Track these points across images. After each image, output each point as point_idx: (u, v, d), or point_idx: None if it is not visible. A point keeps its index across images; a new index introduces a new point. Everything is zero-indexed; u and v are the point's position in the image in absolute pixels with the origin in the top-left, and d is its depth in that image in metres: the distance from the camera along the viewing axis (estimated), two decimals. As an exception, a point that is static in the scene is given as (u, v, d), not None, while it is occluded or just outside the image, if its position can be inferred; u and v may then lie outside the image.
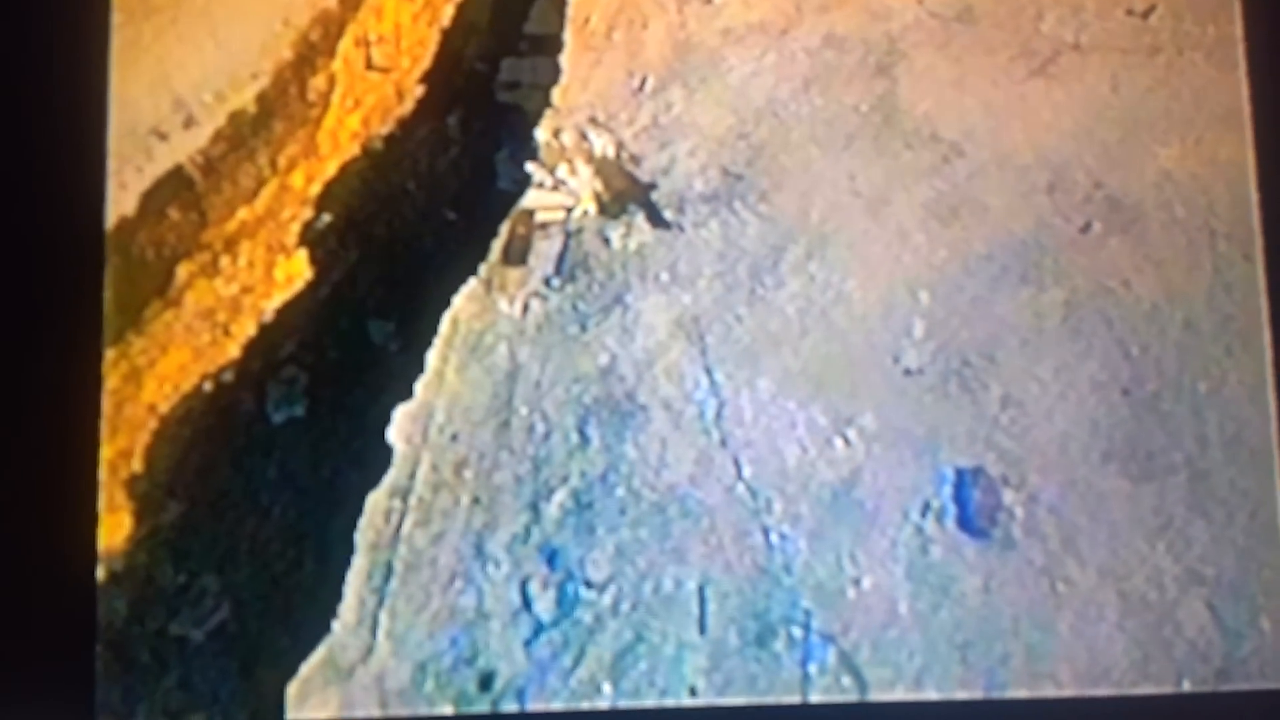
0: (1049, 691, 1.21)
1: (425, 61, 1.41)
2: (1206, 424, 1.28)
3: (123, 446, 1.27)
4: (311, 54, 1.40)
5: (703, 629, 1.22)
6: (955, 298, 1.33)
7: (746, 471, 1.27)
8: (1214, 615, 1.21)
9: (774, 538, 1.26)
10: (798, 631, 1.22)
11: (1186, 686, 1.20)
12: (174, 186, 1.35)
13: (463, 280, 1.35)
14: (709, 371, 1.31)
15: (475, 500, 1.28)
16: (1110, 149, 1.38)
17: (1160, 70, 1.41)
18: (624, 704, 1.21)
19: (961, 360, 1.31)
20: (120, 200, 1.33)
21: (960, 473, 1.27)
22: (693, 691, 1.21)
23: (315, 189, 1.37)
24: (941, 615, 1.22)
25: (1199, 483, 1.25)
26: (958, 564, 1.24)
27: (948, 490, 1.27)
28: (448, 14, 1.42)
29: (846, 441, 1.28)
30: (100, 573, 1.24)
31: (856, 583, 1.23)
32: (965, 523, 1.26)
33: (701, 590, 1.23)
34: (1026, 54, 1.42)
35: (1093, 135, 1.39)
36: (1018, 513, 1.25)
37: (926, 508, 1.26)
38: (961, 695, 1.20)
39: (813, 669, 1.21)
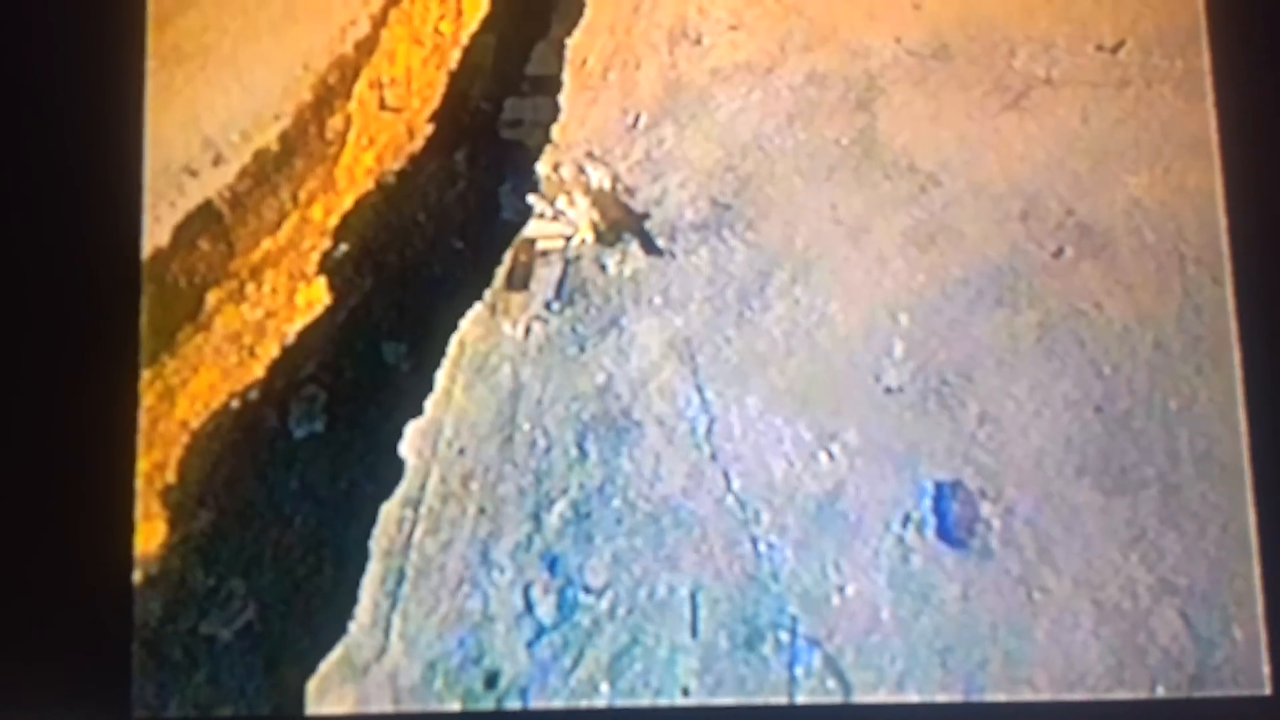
0: (1026, 695, 1.21)
1: (434, 102, 1.41)
2: (1178, 440, 1.27)
3: (157, 459, 1.30)
4: (329, 96, 1.40)
5: (695, 633, 1.24)
6: (933, 320, 1.33)
7: (736, 484, 1.28)
8: (1186, 624, 1.22)
9: (762, 547, 1.26)
10: (784, 636, 1.23)
11: (1160, 692, 1.21)
12: (204, 219, 1.36)
13: (469, 305, 1.36)
14: (700, 390, 1.32)
15: (481, 510, 1.28)
16: (1081, 178, 1.37)
17: (1129, 103, 1.39)
18: (620, 703, 1.22)
19: (940, 379, 1.31)
20: (155, 232, 1.35)
21: (939, 486, 1.28)
22: (685, 692, 1.22)
23: (333, 221, 1.37)
24: (922, 621, 1.23)
25: (1171, 496, 1.26)
26: (937, 573, 1.24)
27: (927, 502, 1.27)
28: (454, 58, 1.42)
29: (830, 456, 1.28)
30: (136, 576, 1.26)
31: (840, 590, 1.24)
32: (944, 533, 1.26)
33: (693, 596, 1.25)
34: (1000, 89, 1.40)
35: (1064, 165, 1.37)
36: (995, 524, 1.26)
37: (907, 519, 1.26)
38: (942, 698, 1.22)
39: (799, 672, 1.22)
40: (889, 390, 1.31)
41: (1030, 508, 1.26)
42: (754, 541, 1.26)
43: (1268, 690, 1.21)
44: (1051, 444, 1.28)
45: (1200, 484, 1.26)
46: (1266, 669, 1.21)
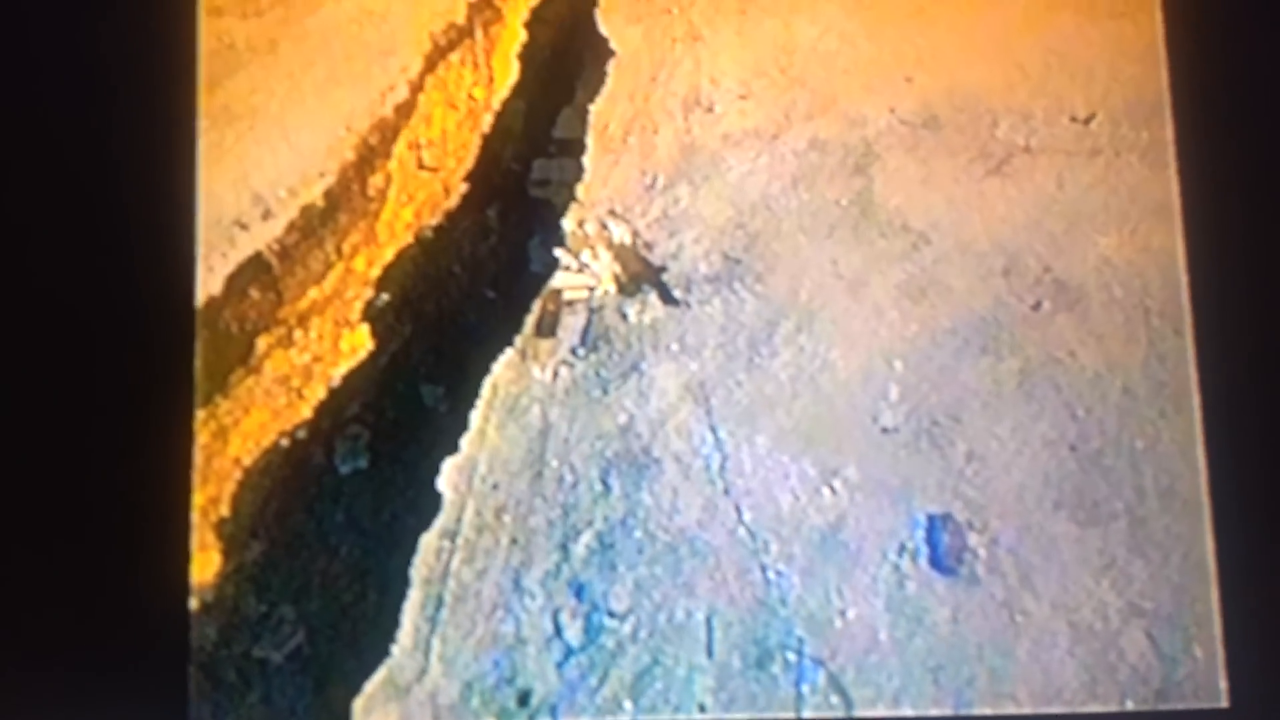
0: (1010, 709, 1.25)
1: (468, 162, 1.44)
2: (1144, 476, 1.32)
3: (212, 494, 1.32)
4: (371, 155, 1.43)
5: (710, 654, 1.27)
6: (925, 366, 1.37)
7: (747, 516, 1.32)
8: (1152, 643, 1.27)
9: (771, 574, 1.29)
10: (792, 656, 1.27)
11: (1129, 705, 1.25)
12: (254, 270, 1.39)
13: (501, 350, 1.38)
14: (714, 429, 1.35)
15: (513, 540, 1.31)
16: (1057, 238, 1.40)
17: (1100, 169, 1.43)
18: (643, 719, 1.25)
19: (931, 420, 1.35)
20: (208, 282, 1.37)
21: (931, 518, 1.32)
22: (701, 708, 1.25)
23: (375, 272, 1.40)
24: (916, 642, 1.27)
25: (1138, 528, 1.30)
26: (929, 598, 1.28)
27: (920, 533, 1.31)
28: (487, 121, 1.46)
29: (833, 490, 1.32)
30: (193, 603, 1.28)
31: (843, 613, 1.28)
32: (936, 562, 1.30)
33: (709, 620, 1.28)
34: (984, 156, 1.44)
35: (1041, 226, 1.41)
36: (981, 553, 1.30)
37: (902, 548, 1.30)
38: (934, 712, 1.25)
39: (805, 689, 1.26)
40: (885, 430, 1.35)
41: (1012, 538, 1.31)
42: (764, 569, 1.30)
43: (1225, 703, 1.25)
44: (1031, 480, 1.32)
45: (1164, 517, 1.31)
46: (1224, 684, 1.25)
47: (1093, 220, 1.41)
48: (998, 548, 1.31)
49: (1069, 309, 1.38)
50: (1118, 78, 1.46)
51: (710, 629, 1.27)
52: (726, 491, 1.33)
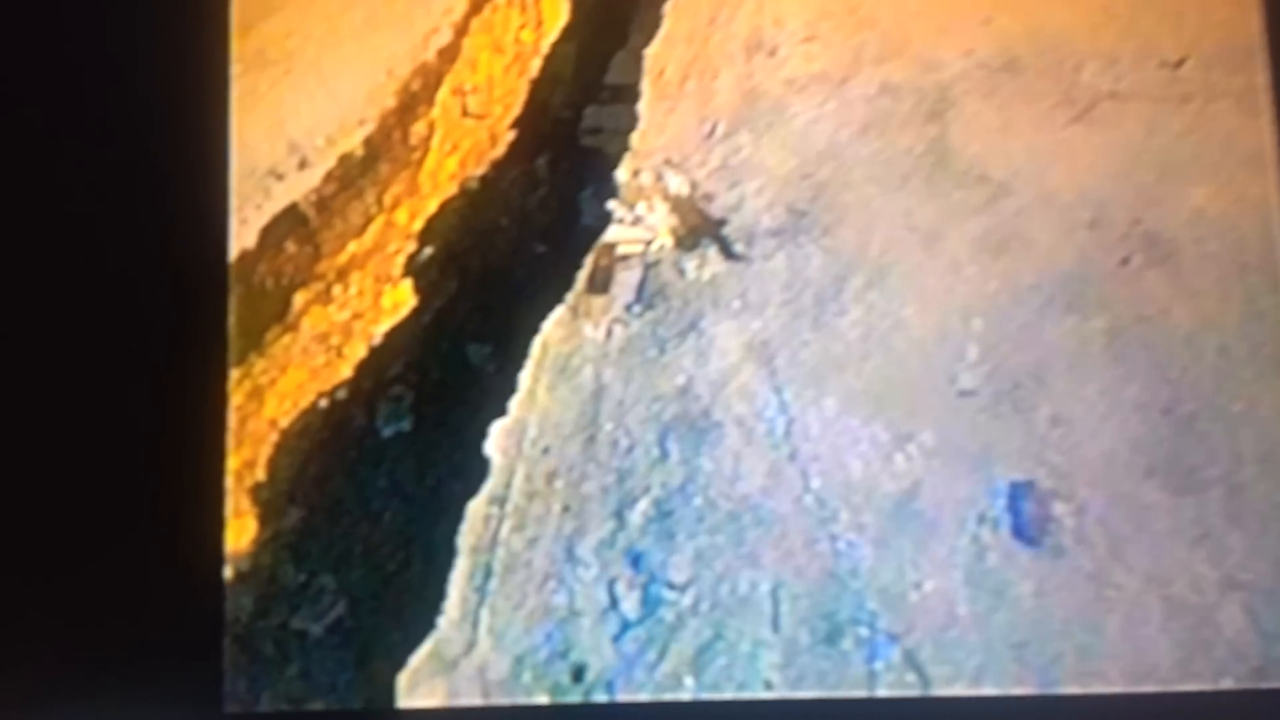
0: (1099, 688, 1.23)
1: (515, 109, 1.40)
2: (1241, 442, 1.29)
3: (247, 458, 1.30)
4: (413, 102, 1.39)
5: (776, 628, 1.25)
6: (1006, 324, 1.33)
7: (814, 483, 1.29)
8: (1251, 618, 1.24)
9: (841, 544, 1.27)
10: (864, 631, 1.25)
11: (1227, 684, 1.23)
12: (290, 222, 1.36)
13: (551, 307, 1.36)
14: (778, 391, 1.32)
15: (566, 508, 1.29)
16: (1147, 189, 1.36)
17: (1191, 117, 1.38)
18: (705, 696, 1.24)
19: (1013, 382, 1.31)
20: (242, 235, 1.35)
21: (1013, 485, 1.29)
22: (767, 685, 1.24)
23: (418, 225, 1.36)
24: (998, 617, 1.25)
25: (1235, 496, 1.27)
26: (1012, 570, 1.26)
27: (1002, 502, 1.28)
28: (535, 66, 1.41)
29: (907, 456, 1.29)
30: (228, 572, 1.27)
31: (918, 586, 1.26)
32: (1018, 532, 1.27)
33: (775, 592, 1.26)
34: (1067, 102, 1.39)
35: (1130, 177, 1.37)
36: (1067, 523, 1.27)
37: (982, 518, 1.28)
38: (1017, 691, 1.23)
39: (879, 666, 1.24)
40: (963, 393, 1.32)
41: (1101, 507, 1.28)
42: (833, 539, 1.28)
43: (1328, 682, 1.21)
44: (1120, 445, 1.30)
45: (1263, 483, 1.28)
46: (1327, 662, 1.21)
47: (1184, 170, 1.38)
48: (1085, 517, 1.28)
49: (1160, 264, 1.35)
50: (1210, 20, 1.41)
51: (776, 602, 1.26)
52: (792, 457, 1.30)
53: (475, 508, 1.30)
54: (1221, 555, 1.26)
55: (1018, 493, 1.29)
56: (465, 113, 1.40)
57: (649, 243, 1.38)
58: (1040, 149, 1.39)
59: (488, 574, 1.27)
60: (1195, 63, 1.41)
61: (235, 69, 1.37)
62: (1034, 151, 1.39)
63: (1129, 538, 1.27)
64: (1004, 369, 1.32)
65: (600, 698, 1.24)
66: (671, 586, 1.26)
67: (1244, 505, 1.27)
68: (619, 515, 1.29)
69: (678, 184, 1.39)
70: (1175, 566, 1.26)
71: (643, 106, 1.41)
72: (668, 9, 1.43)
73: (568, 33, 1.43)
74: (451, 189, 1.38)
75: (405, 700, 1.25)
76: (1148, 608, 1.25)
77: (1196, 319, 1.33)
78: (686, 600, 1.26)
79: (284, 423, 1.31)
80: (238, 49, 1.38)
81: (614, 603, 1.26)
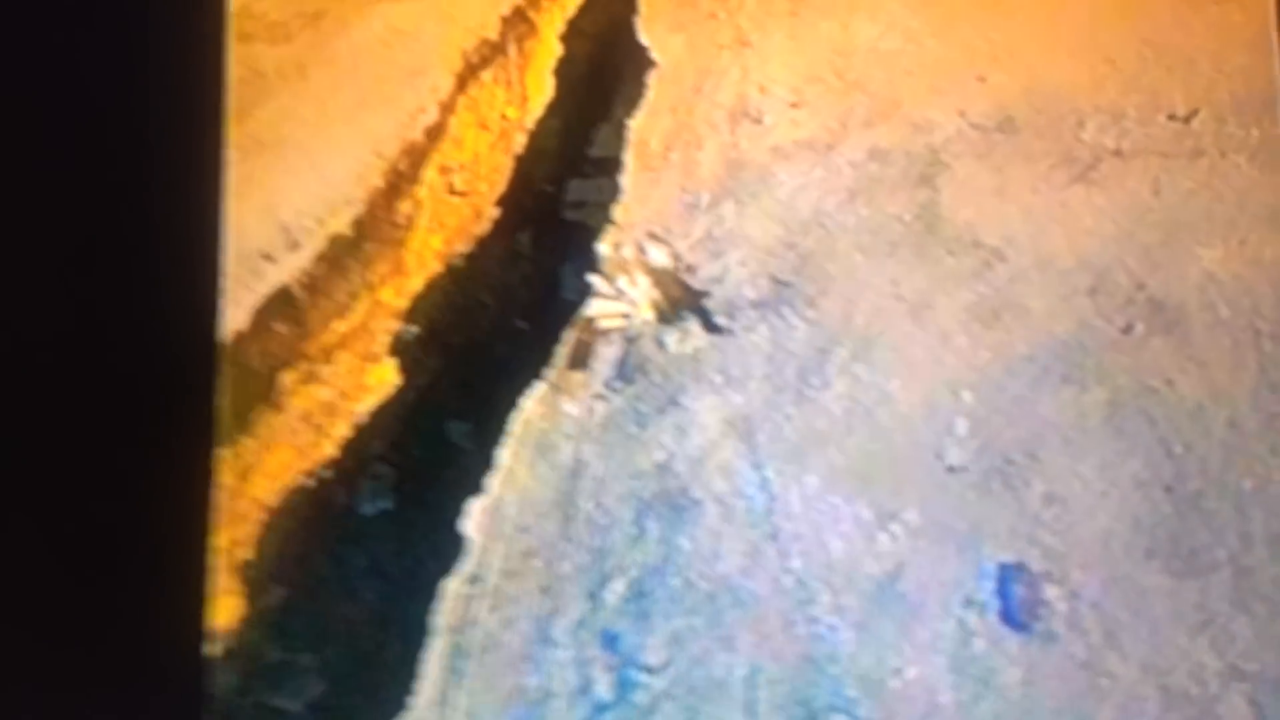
0: None
1: (500, 186, 1.43)
2: (1251, 521, 1.26)
3: (234, 536, 1.30)
4: (400, 181, 1.43)
5: (752, 714, 1.21)
6: (998, 397, 1.32)
7: (794, 563, 1.27)
8: (1256, 711, 1.19)
9: (820, 628, 1.25)
10: (842, 719, 1.21)
11: None
12: (280, 304, 1.40)
13: (531, 384, 1.38)
14: (759, 468, 1.32)
15: (542, 587, 1.28)
16: (1152, 251, 1.36)
17: (1203, 173, 1.37)
18: None
19: (1004, 458, 1.30)
20: (234, 316, 1.37)
21: (1003, 567, 1.26)
22: None
23: (403, 303, 1.40)
24: (983, 707, 1.20)
25: (1243, 579, 1.23)
26: (999, 657, 1.22)
27: (990, 584, 1.26)
28: (520, 141, 1.45)
29: (891, 536, 1.28)
30: (212, 649, 1.25)
31: (899, 672, 1.22)
32: (1007, 616, 1.24)
33: (751, 676, 1.23)
34: (1067, 161, 1.39)
35: (1134, 238, 1.36)
36: (1060, 607, 1.24)
37: (969, 601, 1.25)
38: None
39: None
40: (951, 469, 1.30)
41: (1096, 590, 1.25)
42: (812, 622, 1.26)
43: (1340, 781, 1.17)
44: (1119, 525, 1.27)
45: (1274, 566, 1.24)
46: (1340, 759, 1.17)
47: (1194, 231, 1.37)
48: (1079, 601, 1.25)
49: (1166, 332, 1.34)
50: (1224, 68, 1.41)
51: (753, 687, 1.23)
52: (773, 536, 1.30)
53: (452, 587, 1.30)
54: (1225, 643, 1.21)
55: (1007, 575, 1.26)
56: (451, 190, 1.44)
57: (630, 317, 1.39)
58: (1037, 212, 1.39)
59: (463, 654, 1.27)
60: (1207, 114, 1.41)
61: (231, 155, 1.36)
62: (1030, 214, 1.39)
63: (1126, 623, 1.23)
64: (995, 444, 1.31)
65: (572, 781, 1.25)
66: (646, 669, 1.25)
67: (1251, 590, 1.23)
68: (594, 596, 1.28)
69: (660, 256, 1.40)
70: (1175, 655, 1.21)
71: (626, 179, 1.44)
72: (652, 79, 1.48)
73: (553, 108, 1.48)
74: (436, 266, 1.42)
75: (379, 779, 1.24)
76: (1144, 698, 1.20)
77: (1204, 390, 1.31)
78: (661, 684, 1.24)
79: (270, 502, 1.33)
80: (234, 135, 1.39)
81: (588, 685, 1.24)
